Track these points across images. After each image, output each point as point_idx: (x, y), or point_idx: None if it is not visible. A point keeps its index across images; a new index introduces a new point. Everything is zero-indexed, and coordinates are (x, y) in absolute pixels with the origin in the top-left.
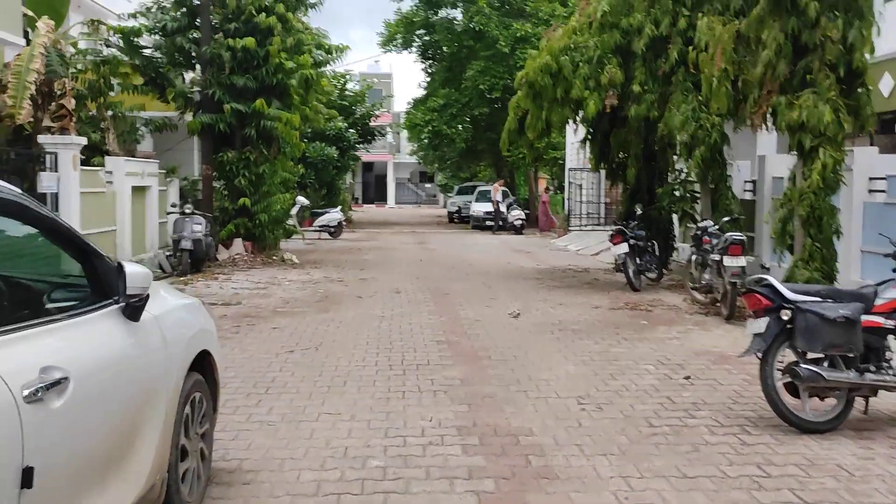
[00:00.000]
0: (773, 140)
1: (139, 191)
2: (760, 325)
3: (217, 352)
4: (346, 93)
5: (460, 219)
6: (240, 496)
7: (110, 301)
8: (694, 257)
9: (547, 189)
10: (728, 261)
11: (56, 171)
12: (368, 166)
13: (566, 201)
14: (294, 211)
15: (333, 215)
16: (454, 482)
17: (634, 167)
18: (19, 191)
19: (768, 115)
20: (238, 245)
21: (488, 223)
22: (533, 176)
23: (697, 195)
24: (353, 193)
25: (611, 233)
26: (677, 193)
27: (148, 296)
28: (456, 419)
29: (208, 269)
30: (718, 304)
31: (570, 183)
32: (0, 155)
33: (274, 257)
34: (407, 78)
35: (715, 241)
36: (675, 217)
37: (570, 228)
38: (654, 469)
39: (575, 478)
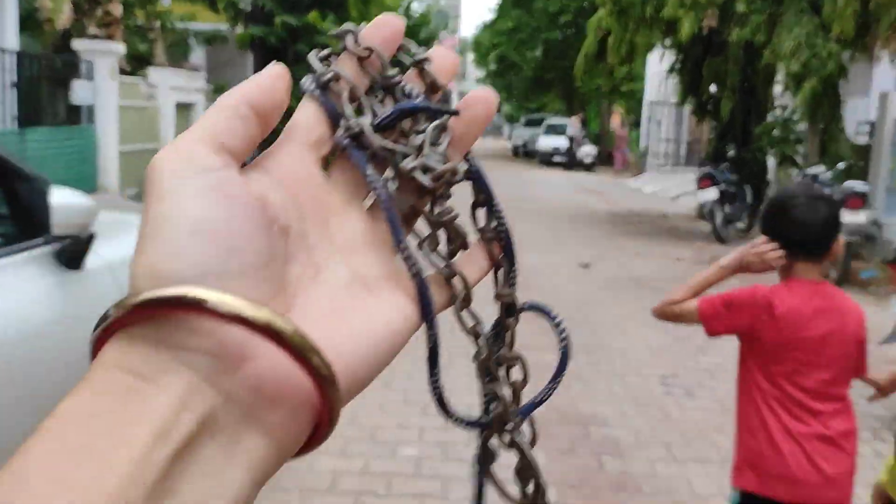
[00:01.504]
0: (892, 75)
1: (184, 108)
2: None
3: None
4: (410, 13)
5: (525, 153)
6: None
7: (36, 242)
8: None
9: (623, 124)
10: (845, 216)
11: (92, 80)
12: None
13: (645, 138)
14: None
15: None
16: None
17: (731, 101)
18: None
19: None
20: None
21: (556, 159)
22: (607, 109)
23: (801, 137)
24: None
25: (698, 175)
26: (778, 134)
27: (92, 235)
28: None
29: None
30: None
31: (649, 118)
32: (38, 61)
33: None
34: (477, 1)
35: (828, 192)
36: (770, 160)
37: (646, 168)
38: None
39: (663, 492)
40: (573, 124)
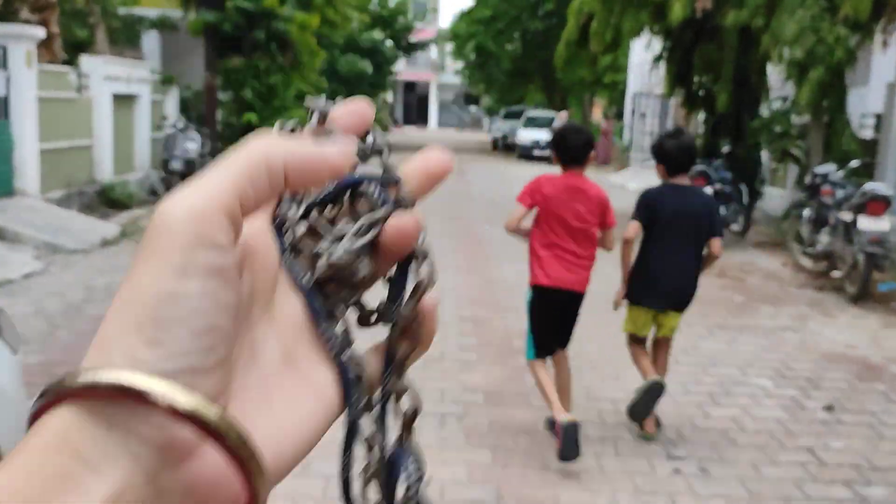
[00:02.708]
0: (892, 64)
1: (125, 100)
2: None
3: None
4: (387, 1)
5: (505, 146)
6: None
7: None
8: (807, 212)
9: (607, 117)
10: (865, 222)
11: (5, 68)
12: (410, 86)
13: (628, 131)
14: None
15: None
16: None
17: (726, 92)
18: None
19: None
20: None
21: (536, 153)
22: (588, 102)
23: (802, 131)
24: (393, 114)
25: (691, 173)
26: (778, 129)
27: None
28: (480, 480)
29: None
30: (838, 277)
31: (633, 111)
32: None
33: None
34: None
35: (841, 194)
36: (763, 156)
37: (629, 163)
38: None
39: None
40: (561, 118)
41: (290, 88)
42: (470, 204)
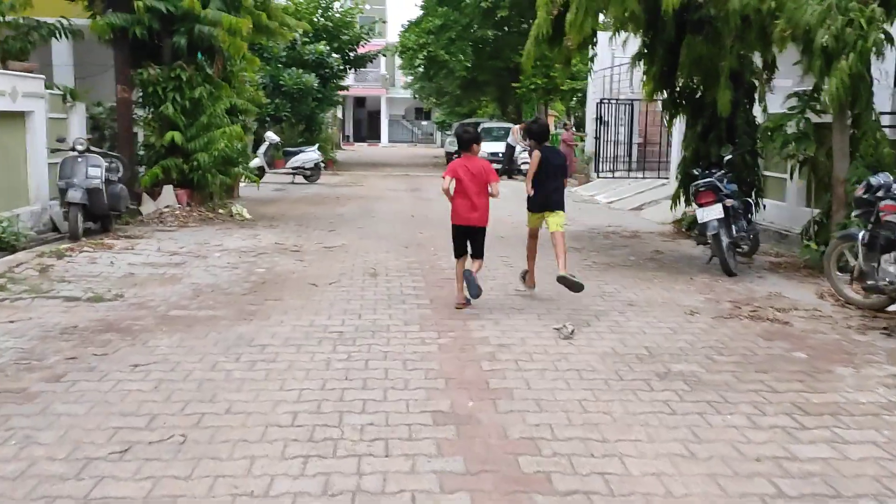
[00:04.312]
0: None
1: (10, 117)
2: None
3: None
4: (332, 13)
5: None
6: None
7: None
8: (863, 235)
9: (567, 126)
10: None
11: None
12: (360, 101)
13: (594, 142)
14: (262, 150)
15: (309, 155)
16: None
17: (726, 91)
18: None
19: None
20: (168, 195)
21: (495, 167)
22: (545, 111)
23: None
24: (344, 131)
25: (694, 188)
26: (791, 129)
27: None
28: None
29: (121, 227)
30: None
31: (597, 119)
32: None
33: (220, 210)
34: (403, 3)
35: None
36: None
37: (593, 175)
38: None
39: None
40: (514, 133)
41: (218, 101)
42: (432, 227)
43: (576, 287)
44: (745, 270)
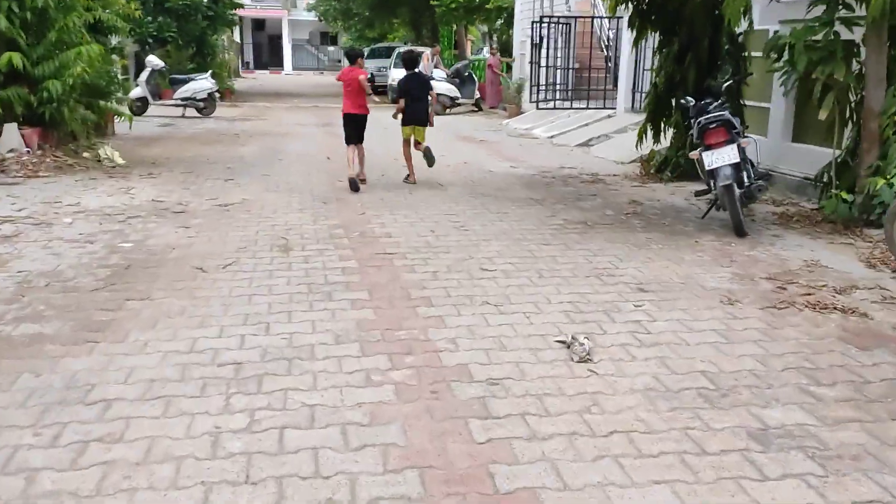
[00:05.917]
0: None
1: None
2: None
3: None
4: None
5: (374, 89)
6: None
7: None
8: None
9: (492, 50)
10: None
11: None
12: (259, 24)
13: (529, 67)
14: (143, 77)
15: (201, 83)
16: None
17: None
18: None
19: None
20: (12, 135)
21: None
22: (464, 34)
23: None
24: (242, 56)
25: (701, 124)
26: (814, 54)
27: None
28: None
29: None
30: None
31: (531, 41)
32: None
33: (85, 154)
34: None
35: None
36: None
37: (527, 106)
38: None
39: None
40: (426, 60)
41: (71, 13)
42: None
43: (429, 160)
44: (751, 227)
